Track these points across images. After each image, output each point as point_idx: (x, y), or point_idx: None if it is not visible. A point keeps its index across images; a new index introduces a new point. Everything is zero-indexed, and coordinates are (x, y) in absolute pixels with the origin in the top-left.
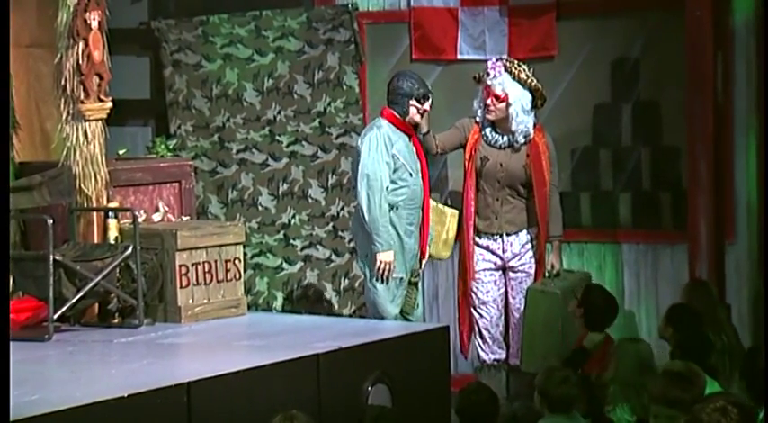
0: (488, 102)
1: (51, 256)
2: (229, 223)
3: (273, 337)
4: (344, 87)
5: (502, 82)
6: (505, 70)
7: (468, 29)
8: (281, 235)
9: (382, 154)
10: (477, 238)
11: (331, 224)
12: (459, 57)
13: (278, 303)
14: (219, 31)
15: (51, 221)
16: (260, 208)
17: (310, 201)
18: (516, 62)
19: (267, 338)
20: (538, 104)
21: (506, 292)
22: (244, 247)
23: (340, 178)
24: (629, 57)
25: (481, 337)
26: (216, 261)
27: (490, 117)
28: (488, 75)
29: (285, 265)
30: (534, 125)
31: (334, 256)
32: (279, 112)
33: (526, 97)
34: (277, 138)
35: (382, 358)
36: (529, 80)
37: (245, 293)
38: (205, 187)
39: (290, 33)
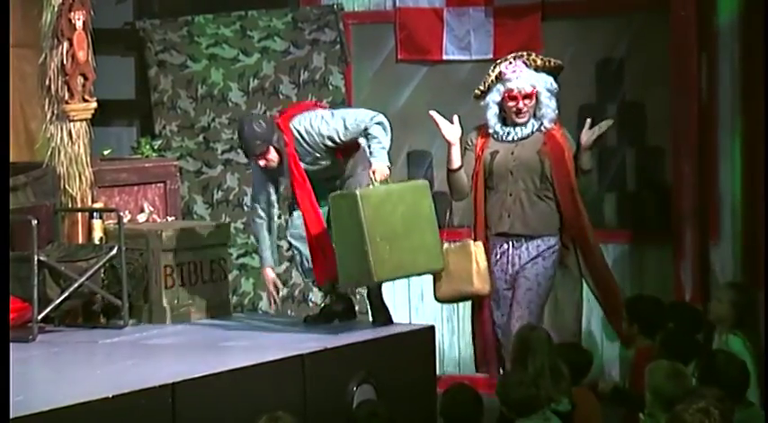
0: (519, 106)
1: (36, 257)
2: (215, 224)
3: (259, 337)
4: (330, 88)
5: (528, 77)
6: (525, 65)
7: (454, 29)
8: None
9: None
10: (490, 244)
11: None
12: (444, 57)
13: (263, 304)
14: (205, 32)
15: (36, 222)
16: (245, 208)
17: None
18: (526, 53)
19: (252, 339)
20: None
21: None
22: (229, 247)
23: None
24: (614, 57)
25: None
26: (201, 261)
27: (523, 119)
28: (509, 79)
29: None
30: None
31: None
32: (264, 112)
33: (548, 80)
34: None
35: (368, 358)
36: (546, 63)
37: (231, 294)
38: (190, 187)
39: (275, 34)
